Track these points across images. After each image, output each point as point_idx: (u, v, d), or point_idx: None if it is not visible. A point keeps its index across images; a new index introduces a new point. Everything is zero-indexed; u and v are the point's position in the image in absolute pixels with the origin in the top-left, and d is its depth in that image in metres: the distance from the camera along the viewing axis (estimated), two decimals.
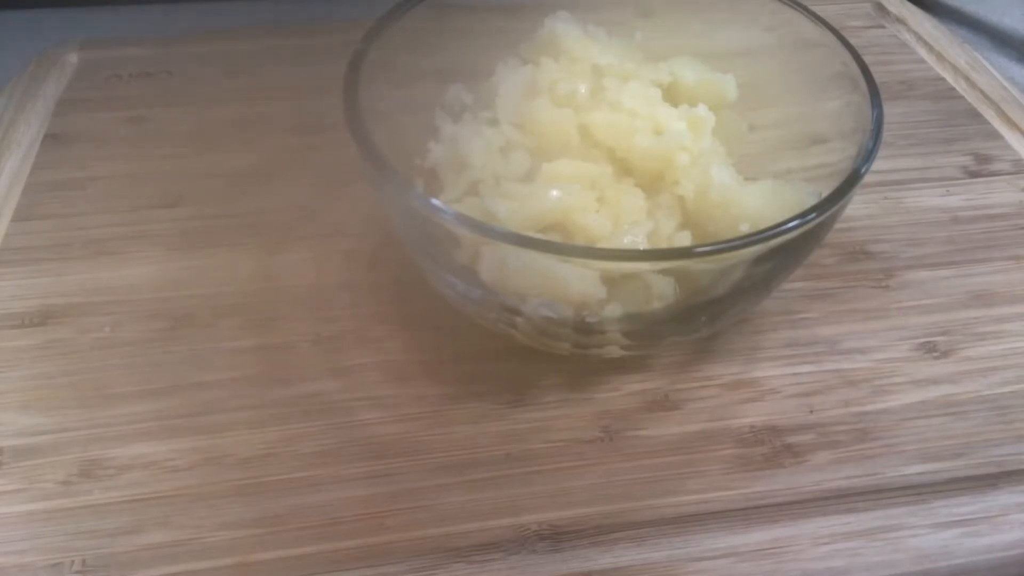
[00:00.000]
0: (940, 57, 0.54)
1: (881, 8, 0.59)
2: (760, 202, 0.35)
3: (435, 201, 0.30)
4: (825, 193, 0.31)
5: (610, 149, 0.35)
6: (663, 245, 0.34)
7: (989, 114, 0.50)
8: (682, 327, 0.34)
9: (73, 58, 0.52)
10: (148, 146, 0.47)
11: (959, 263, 0.41)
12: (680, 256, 0.32)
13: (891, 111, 0.37)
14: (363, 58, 0.34)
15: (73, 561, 0.30)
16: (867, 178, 0.32)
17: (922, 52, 0.55)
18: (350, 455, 0.33)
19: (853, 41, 0.36)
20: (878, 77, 0.35)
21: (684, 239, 0.34)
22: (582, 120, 0.35)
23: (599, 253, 0.31)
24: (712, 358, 0.37)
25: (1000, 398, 0.36)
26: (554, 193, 0.34)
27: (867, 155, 0.32)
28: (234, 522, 0.31)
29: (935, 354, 0.37)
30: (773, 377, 0.36)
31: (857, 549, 0.31)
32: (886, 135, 0.33)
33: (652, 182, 0.35)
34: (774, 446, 0.34)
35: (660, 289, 0.32)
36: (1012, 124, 0.49)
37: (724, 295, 0.32)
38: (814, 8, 0.38)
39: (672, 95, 0.37)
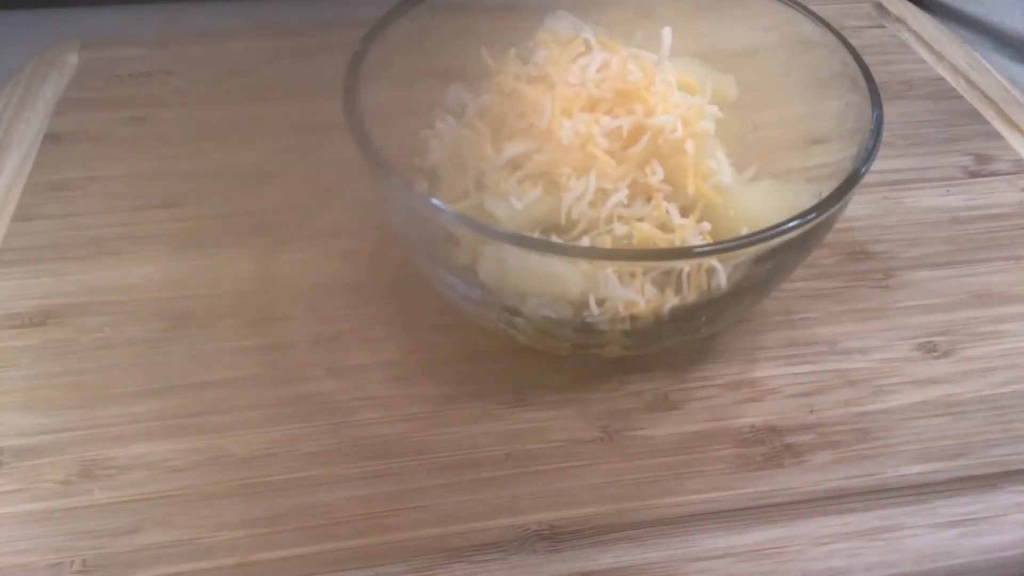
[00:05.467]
0: (940, 57, 0.54)
1: (881, 8, 0.59)
2: (760, 202, 0.35)
3: (435, 201, 0.30)
4: (825, 193, 0.31)
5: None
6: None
7: (989, 114, 0.50)
8: (682, 327, 0.34)
9: (73, 58, 0.52)
10: (148, 146, 0.47)
11: (959, 263, 0.41)
12: (680, 256, 0.32)
13: (891, 111, 0.37)
14: (363, 58, 0.34)
15: (73, 561, 0.30)
16: (867, 178, 0.32)
17: (922, 52, 0.55)
18: (350, 455, 0.33)
19: (853, 41, 0.36)
20: (878, 77, 0.35)
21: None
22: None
23: (599, 253, 0.31)
24: (712, 358, 0.37)
25: (1000, 398, 0.36)
26: (554, 193, 0.34)
27: (867, 155, 0.32)
28: (234, 522, 0.31)
29: (935, 354, 0.37)
30: (773, 377, 0.36)
31: (857, 549, 0.31)
32: (886, 135, 0.33)
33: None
34: (774, 446, 0.34)
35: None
36: (1012, 124, 0.49)
37: (724, 295, 0.32)
38: (814, 8, 0.38)
39: None
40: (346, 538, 0.31)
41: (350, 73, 0.34)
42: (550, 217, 0.33)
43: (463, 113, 0.38)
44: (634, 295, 0.32)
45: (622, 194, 0.33)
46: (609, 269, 0.31)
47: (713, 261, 0.31)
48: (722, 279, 0.32)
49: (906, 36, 0.57)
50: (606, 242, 0.33)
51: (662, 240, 0.33)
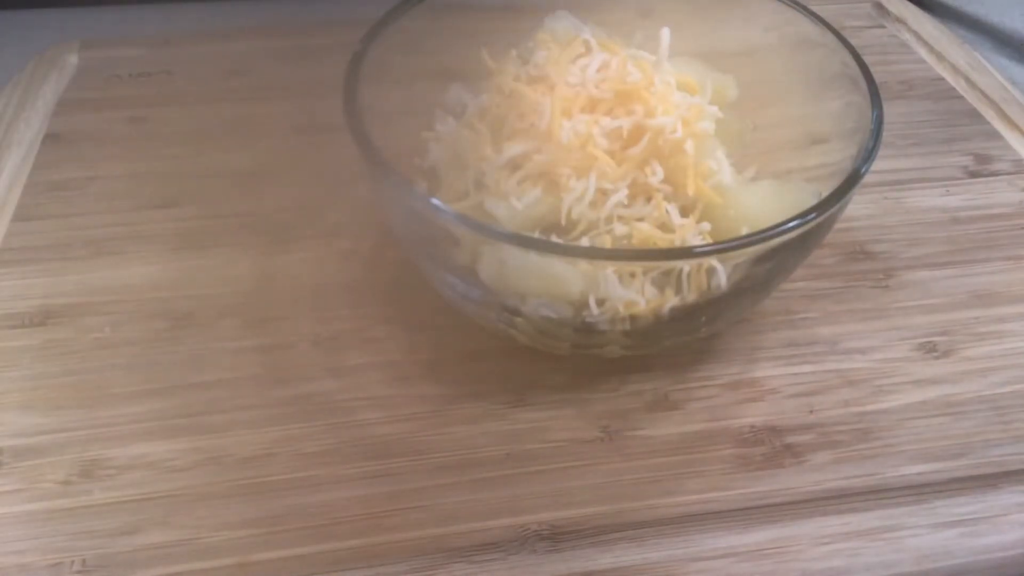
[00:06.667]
0: (940, 57, 0.54)
1: (881, 8, 0.59)
2: (760, 202, 0.35)
3: (435, 201, 0.30)
4: (825, 193, 0.31)
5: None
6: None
7: (989, 114, 0.50)
8: (682, 327, 0.34)
9: (73, 58, 0.52)
10: (148, 146, 0.47)
11: (959, 263, 0.41)
12: (680, 256, 0.32)
13: (891, 111, 0.37)
14: (363, 58, 0.34)
15: (73, 561, 0.30)
16: (867, 178, 0.32)
17: (922, 52, 0.55)
18: (350, 455, 0.33)
19: (853, 41, 0.36)
20: (878, 77, 0.35)
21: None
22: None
23: (599, 253, 0.31)
24: (712, 358, 0.37)
25: (1000, 398, 0.36)
26: (554, 193, 0.34)
27: (867, 155, 0.32)
28: (234, 522, 0.31)
29: (935, 354, 0.37)
30: (773, 377, 0.36)
31: (857, 549, 0.31)
32: (886, 135, 0.33)
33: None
34: (774, 446, 0.34)
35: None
36: (1012, 124, 0.49)
37: (724, 295, 0.32)
38: (814, 8, 0.38)
39: None
40: (346, 538, 0.31)
41: (350, 73, 0.34)
42: (550, 217, 0.34)
43: (463, 113, 0.38)
44: (634, 295, 0.32)
45: (622, 194, 0.33)
46: (609, 269, 0.31)
47: (713, 261, 0.31)
48: (722, 279, 0.32)
49: (906, 36, 0.57)
50: (606, 242, 0.33)
51: (662, 240, 0.33)
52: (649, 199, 0.34)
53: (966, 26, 0.63)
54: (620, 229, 0.33)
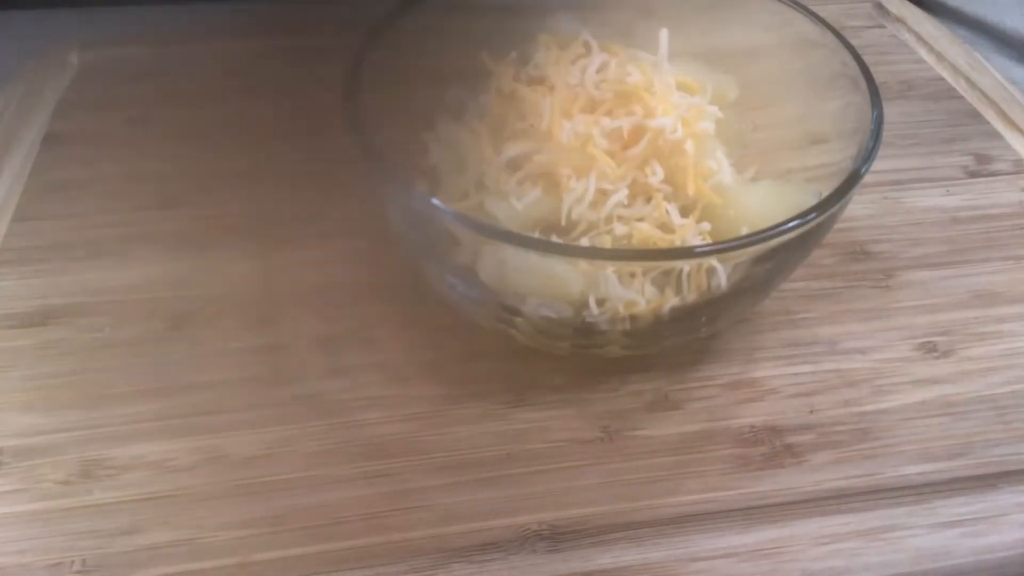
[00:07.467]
0: (940, 57, 0.54)
1: (881, 8, 0.59)
2: (760, 202, 0.35)
3: (435, 201, 0.30)
4: (825, 193, 0.31)
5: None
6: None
7: (989, 114, 0.50)
8: (682, 327, 0.34)
9: (73, 58, 0.52)
10: (148, 146, 0.47)
11: (959, 263, 0.41)
12: (680, 256, 0.32)
13: (891, 111, 0.37)
14: (363, 59, 0.34)
15: (73, 561, 0.30)
16: (867, 178, 0.32)
17: (922, 52, 0.55)
18: (350, 455, 0.33)
19: (853, 41, 0.36)
20: (878, 77, 0.35)
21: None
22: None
23: (599, 253, 0.31)
24: (712, 358, 0.37)
25: (1000, 398, 0.36)
26: (554, 193, 0.34)
27: (867, 155, 0.32)
28: (234, 522, 0.31)
29: (935, 354, 0.37)
30: (773, 377, 0.36)
31: (857, 549, 0.31)
32: (886, 135, 0.33)
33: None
34: (774, 446, 0.34)
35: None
36: (1012, 124, 0.49)
37: (724, 295, 0.32)
38: (814, 8, 0.38)
39: None
40: (346, 538, 0.31)
41: (350, 74, 0.34)
42: (550, 217, 0.34)
43: (463, 114, 0.38)
44: (634, 295, 0.32)
45: (622, 194, 0.33)
46: (609, 269, 0.31)
47: (713, 261, 0.31)
48: (722, 279, 0.32)
49: (906, 36, 0.57)
50: (606, 242, 0.33)
51: (662, 240, 0.33)
52: (649, 199, 0.34)
53: (966, 26, 0.62)
54: (620, 229, 0.33)
